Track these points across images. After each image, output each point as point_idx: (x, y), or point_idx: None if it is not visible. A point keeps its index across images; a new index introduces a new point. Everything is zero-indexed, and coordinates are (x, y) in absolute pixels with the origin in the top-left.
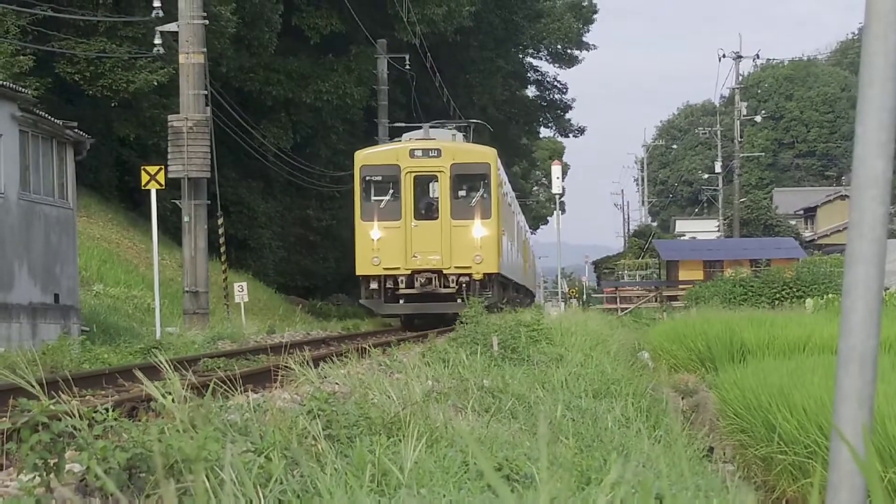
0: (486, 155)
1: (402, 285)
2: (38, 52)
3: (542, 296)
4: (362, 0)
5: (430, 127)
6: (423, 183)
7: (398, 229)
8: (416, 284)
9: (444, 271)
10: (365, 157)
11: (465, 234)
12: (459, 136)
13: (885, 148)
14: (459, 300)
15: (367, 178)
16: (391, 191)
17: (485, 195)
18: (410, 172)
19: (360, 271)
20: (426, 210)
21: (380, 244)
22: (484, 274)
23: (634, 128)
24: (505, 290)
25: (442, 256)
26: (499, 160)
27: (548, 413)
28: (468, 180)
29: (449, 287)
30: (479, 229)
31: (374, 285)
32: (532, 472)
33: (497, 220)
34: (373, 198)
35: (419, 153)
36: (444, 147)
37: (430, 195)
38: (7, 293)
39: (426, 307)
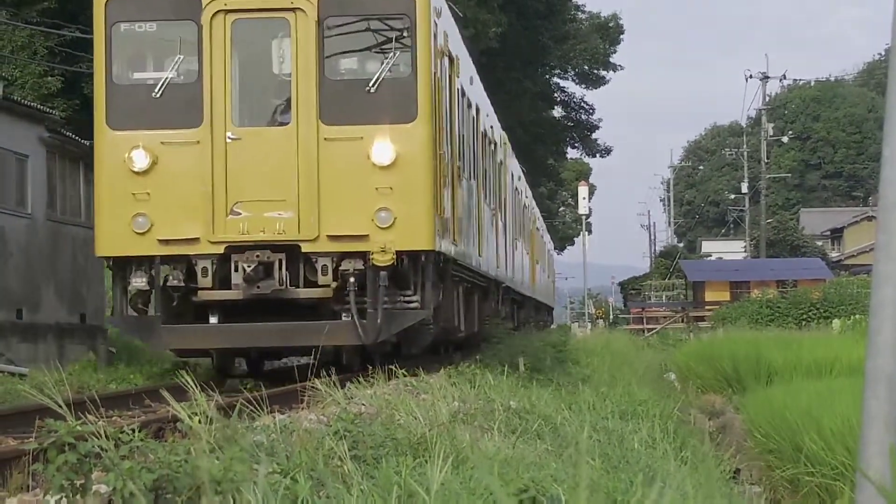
0: None
1: (206, 279)
2: (67, 73)
3: (568, 317)
4: None
5: None
6: (253, 39)
7: (195, 147)
8: (238, 279)
9: (304, 247)
10: None
11: (353, 159)
12: None
13: None
14: (344, 314)
15: (123, 28)
16: (179, 58)
17: (401, 66)
18: (224, 11)
19: (104, 250)
20: (262, 104)
21: (152, 183)
22: (396, 254)
23: (661, 148)
24: (485, 300)
25: (299, 211)
26: None
27: (574, 434)
28: (362, 33)
29: (315, 284)
30: (384, 148)
31: (139, 282)
32: (558, 494)
33: (432, 124)
34: (134, 74)
35: None
36: None
37: (272, 69)
38: (34, 313)
39: (265, 334)
